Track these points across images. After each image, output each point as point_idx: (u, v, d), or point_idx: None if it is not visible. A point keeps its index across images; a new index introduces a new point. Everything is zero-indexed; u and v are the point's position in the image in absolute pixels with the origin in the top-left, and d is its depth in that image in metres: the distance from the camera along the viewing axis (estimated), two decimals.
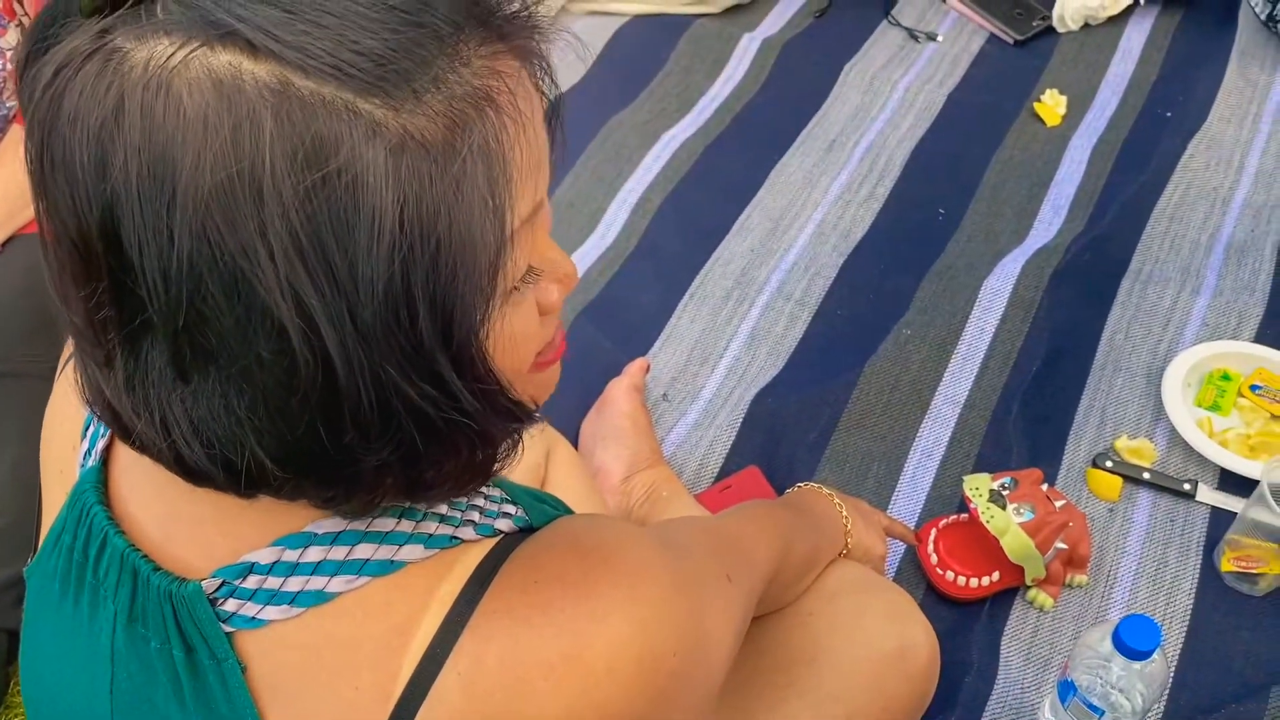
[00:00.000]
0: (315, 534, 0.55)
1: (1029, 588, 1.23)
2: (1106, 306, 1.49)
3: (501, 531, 0.60)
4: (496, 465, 0.56)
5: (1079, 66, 1.86)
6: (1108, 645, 1.01)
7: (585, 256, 1.59)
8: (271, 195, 0.43)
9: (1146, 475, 1.32)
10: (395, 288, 0.45)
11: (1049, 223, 1.61)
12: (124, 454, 0.61)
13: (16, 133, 1.41)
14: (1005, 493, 1.20)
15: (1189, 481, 1.31)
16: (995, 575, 1.21)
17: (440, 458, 0.51)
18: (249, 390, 0.47)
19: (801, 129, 1.78)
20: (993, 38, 1.93)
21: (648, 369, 1.43)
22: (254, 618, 0.55)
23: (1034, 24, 1.92)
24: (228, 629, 0.56)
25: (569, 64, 1.89)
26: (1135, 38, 1.90)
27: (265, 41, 0.44)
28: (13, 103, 1.40)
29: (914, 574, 1.26)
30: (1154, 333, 1.46)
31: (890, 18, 1.97)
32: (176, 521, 0.58)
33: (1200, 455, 1.33)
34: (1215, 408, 1.38)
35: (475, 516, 0.60)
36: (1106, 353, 1.44)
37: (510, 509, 0.63)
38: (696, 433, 1.39)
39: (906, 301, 1.52)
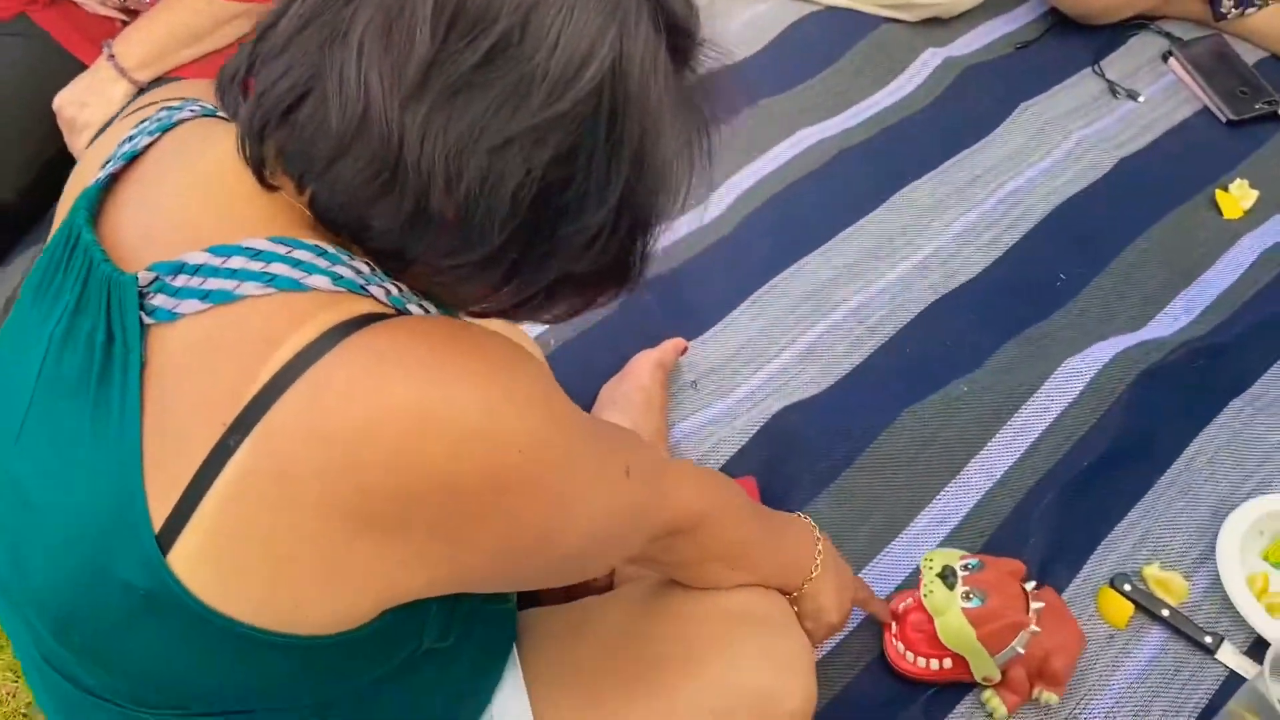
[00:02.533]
0: (243, 246, 0.60)
1: (984, 687, 1.12)
2: (1200, 424, 1.33)
3: (408, 313, 0.64)
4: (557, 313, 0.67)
5: None
6: None
7: (676, 228, 1.56)
8: None
9: (1165, 613, 1.17)
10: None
11: (1175, 318, 1.45)
12: (130, 175, 0.68)
13: None
14: (963, 573, 1.10)
15: (1213, 635, 1.16)
16: (947, 662, 1.11)
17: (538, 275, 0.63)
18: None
19: (950, 157, 1.67)
20: (1203, 111, 1.74)
21: (683, 350, 1.40)
22: (172, 310, 0.60)
23: (1256, 106, 1.72)
24: (148, 320, 0.61)
25: (745, 38, 1.85)
26: None
27: None
28: None
29: (873, 637, 1.18)
30: (1245, 466, 1.29)
31: (1096, 67, 1.81)
32: (150, 231, 0.64)
33: (1238, 613, 1.17)
34: None
35: (394, 290, 0.64)
36: (1179, 472, 1.29)
37: (432, 308, 0.66)
38: (710, 428, 1.34)
39: (981, 359, 1.40)
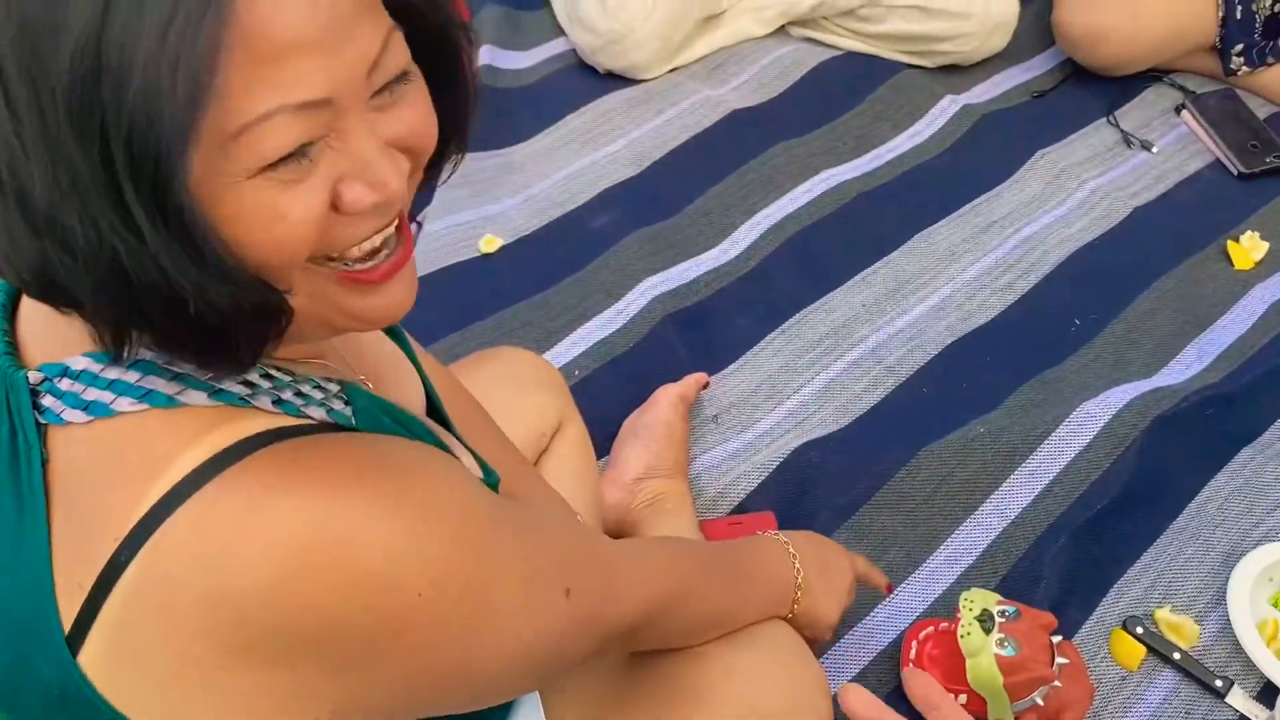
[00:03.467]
0: (119, 360, 0.59)
1: None
2: (1212, 471, 1.35)
3: (309, 418, 0.62)
4: (235, 341, 0.57)
5: None
6: None
7: (700, 265, 1.59)
8: None
9: (1177, 656, 1.19)
10: (81, 98, 0.48)
11: (1188, 366, 1.48)
12: None
13: None
14: (1001, 619, 1.12)
15: (1223, 679, 1.18)
16: (962, 698, 1.13)
17: (150, 311, 0.54)
18: None
19: (967, 202, 1.70)
20: (1215, 164, 1.78)
21: (705, 385, 1.42)
22: (59, 414, 0.60)
23: (1267, 160, 1.75)
24: (41, 420, 0.61)
25: (766, 81, 1.89)
26: None
27: None
28: None
29: (890, 670, 1.20)
30: (1255, 513, 1.32)
31: (1111, 117, 1.85)
32: (45, 327, 0.64)
33: (1248, 657, 1.19)
34: None
35: (287, 395, 0.62)
36: (1191, 518, 1.31)
37: (340, 405, 0.64)
38: (730, 462, 1.37)
39: (997, 401, 1.43)
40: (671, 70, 1.92)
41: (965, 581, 1.26)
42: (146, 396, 0.59)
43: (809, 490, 1.34)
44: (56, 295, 0.56)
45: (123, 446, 0.59)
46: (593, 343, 1.49)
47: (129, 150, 0.49)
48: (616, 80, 1.90)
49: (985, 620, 1.11)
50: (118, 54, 0.48)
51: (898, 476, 1.34)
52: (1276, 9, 1.85)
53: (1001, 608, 1.13)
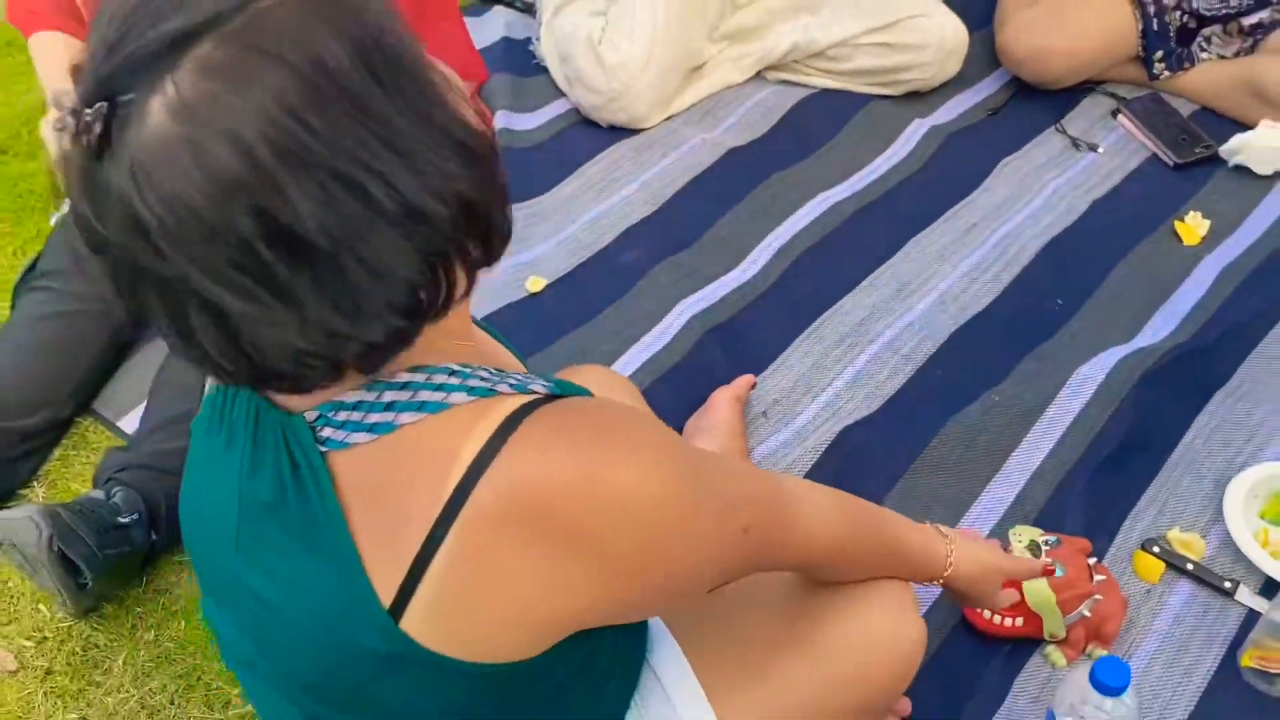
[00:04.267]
0: (392, 382, 0.72)
1: (1047, 643, 1.34)
2: (1193, 413, 1.58)
3: (535, 392, 0.75)
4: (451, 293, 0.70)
5: (1231, 197, 1.94)
6: (1085, 682, 1.12)
7: (725, 284, 1.80)
8: None
9: (1190, 566, 1.41)
10: None
11: (1159, 330, 1.71)
12: None
13: None
14: (1046, 547, 1.32)
15: (1231, 581, 1.39)
16: (1020, 621, 1.33)
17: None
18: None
19: (947, 209, 1.93)
20: (1153, 158, 2.03)
21: (753, 385, 1.62)
22: (343, 441, 0.72)
23: (1196, 150, 2.01)
24: (323, 449, 0.73)
25: (753, 121, 2.12)
26: None
27: None
28: None
29: (951, 607, 1.39)
30: (1234, 444, 1.54)
31: (1058, 125, 2.10)
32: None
33: (1249, 561, 1.41)
34: (1278, 522, 1.45)
35: (511, 380, 0.75)
36: (1182, 454, 1.53)
37: (542, 382, 0.79)
38: (784, 449, 1.56)
39: (1003, 374, 1.65)
40: (667, 119, 2.13)
41: (1002, 527, 1.46)
42: (422, 407, 0.71)
43: (856, 466, 1.53)
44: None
45: (413, 450, 0.71)
46: (643, 361, 1.68)
47: None
48: (620, 131, 2.10)
49: (1034, 549, 1.31)
50: None
51: (931, 445, 1.55)
52: (1185, 20, 2.12)
53: (1045, 538, 1.33)
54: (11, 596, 1.47)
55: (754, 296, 1.78)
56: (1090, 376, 1.59)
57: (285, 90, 0.60)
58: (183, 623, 1.44)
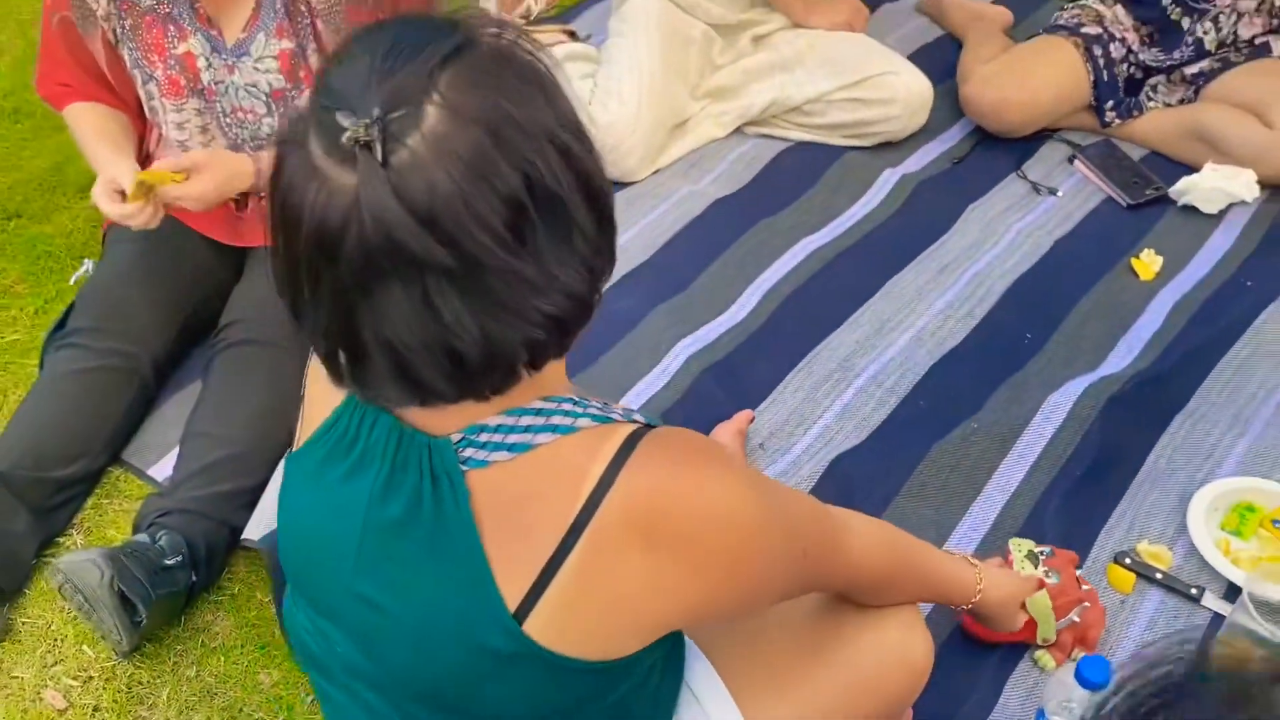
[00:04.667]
0: (529, 408, 0.84)
1: (1038, 647, 1.45)
2: (1156, 434, 1.71)
3: (637, 421, 0.86)
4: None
5: (1181, 235, 2.09)
6: (1071, 680, 1.24)
7: (718, 327, 1.92)
8: None
9: (1159, 576, 1.53)
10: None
11: (1122, 358, 1.85)
12: None
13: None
14: (1042, 556, 1.44)
15: (1197, 588, 1.52)
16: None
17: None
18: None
19: (920, 251, 2.07)
20: (1108, 199, 2.19)
21: (751, 420, 1.73)
22: (484, 460, 0.83)
23: (1147, 192, 2.17)
24: (464, 468, 0.83)
25: (736, 173, 2.25)
26: (1239, 217, 2.12)
27: None
28: None
29: (946, 615, 1.50)
30: (1194, 462, 1.68)
31: (1019, 171, 2.25)
32: (427, 412, 0.86)
33: (1213, 569, 1.53)
34: (1237, 533, 1.58)
35: (617, 410, 0.87)
36: (1148, 472, 1.67)
37: (638, 414, 0.90)
38: (782, 477, 1.67)
39: (980, 403, 1.78)
40: (655, 172, 2.26)
41: (987, 543, 1.58)
42: (556, 429, 0.83)
43: (849, 492, 1.65)
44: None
45: (548, 466, 0.83)
46: (645, 400, 1.79)
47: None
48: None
49: (1032, 558, 1.43)
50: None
51: (917, 471, 1.67)
52: (1131, 71, 2.29)
53: (1040, 549, 1.45)
54: (56, 639, 1.54)
55: (745, 336, 1.90)
56: (1060, 403, 1.72)
57: (520, 89, 0.75)
58: (222, 659, 1.52)
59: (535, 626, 0.84)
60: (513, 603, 0.83)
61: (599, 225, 0.79)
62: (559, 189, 0.75)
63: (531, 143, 0.74)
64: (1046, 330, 1.91)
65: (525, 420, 0.84)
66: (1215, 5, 2.18)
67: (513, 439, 0.84)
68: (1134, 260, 2.03)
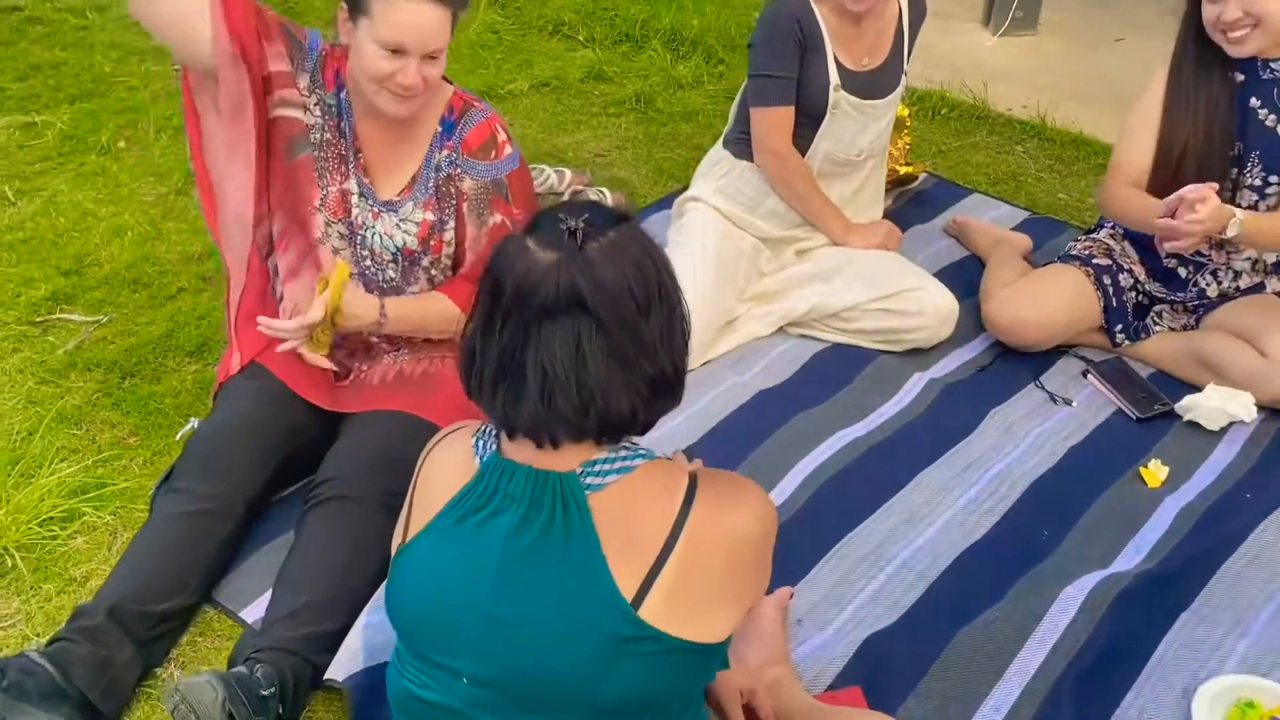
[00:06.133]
0: (621, 445, 1.23)
1: None
2: (1163, 631, 1.86)
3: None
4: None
5: (1186, 448, 2.29)
6: None
7: None
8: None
9: None
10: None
11: (1130, 558, 2.01)
12: (504, 449, 1.25)
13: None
14: None
15: None
16: None
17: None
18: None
19: (947, 450, 2.27)
20: (1119, 411, 2.39)
21: (791, 595, 1.89)
22: (600, 484, 1.20)
23: (1155, 407, 2.37)
24: (587, 491, 1.19)
25: (777, 370, 2.48)
26: (1241, 434, 2.32)
27: None
28: None
29: None
30: (1198, 658, 1.82)
31: (1038, 382, 2.47)
32: (542, 459, 1.22)
33: None
34: None
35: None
36: (1155, 666, 1.81)
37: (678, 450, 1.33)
38: (818, 653, 1.83)
39: (1001, 592, 1.94)
40: (705, 363, 2.49)
41: None
42: (646, 456, 1.23)
43: (880, 669, 1.80)
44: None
45: (644, 487, 1.21)
46: None
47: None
48: None
49: None
50: None
51: (944, 654, 1.82)
52: (1139, 298, 2.54)
53: None
54: None
55: (786, 518, 2.08)
56: (1074, 596, 1.88)
57: (657, 247, 1.23)
58: None
59: (649, 612, 1.17)
60: (629, 594, 1.17)
61: (684, 338, 1.23)
62: (673, 300, 1.21)
63: (661, 270, 1.20)
64: (1062, 529, 2.09)
65: (622, 453, 1.23)
66: (1212, 261, 2.44)
67: (618, 464, 1.21)
68: (1142, 469, 2.22)
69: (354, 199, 2.02)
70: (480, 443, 1.28)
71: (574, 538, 1.18)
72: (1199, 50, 2.28)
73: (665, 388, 1.21)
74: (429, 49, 1.86)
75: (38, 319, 2.59)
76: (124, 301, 2.64)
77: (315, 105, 1.99)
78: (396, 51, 1.84)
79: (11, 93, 3.65)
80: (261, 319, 1.93)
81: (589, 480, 1.20)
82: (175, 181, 3.10)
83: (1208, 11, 2.23)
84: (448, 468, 1.29)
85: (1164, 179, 2.32)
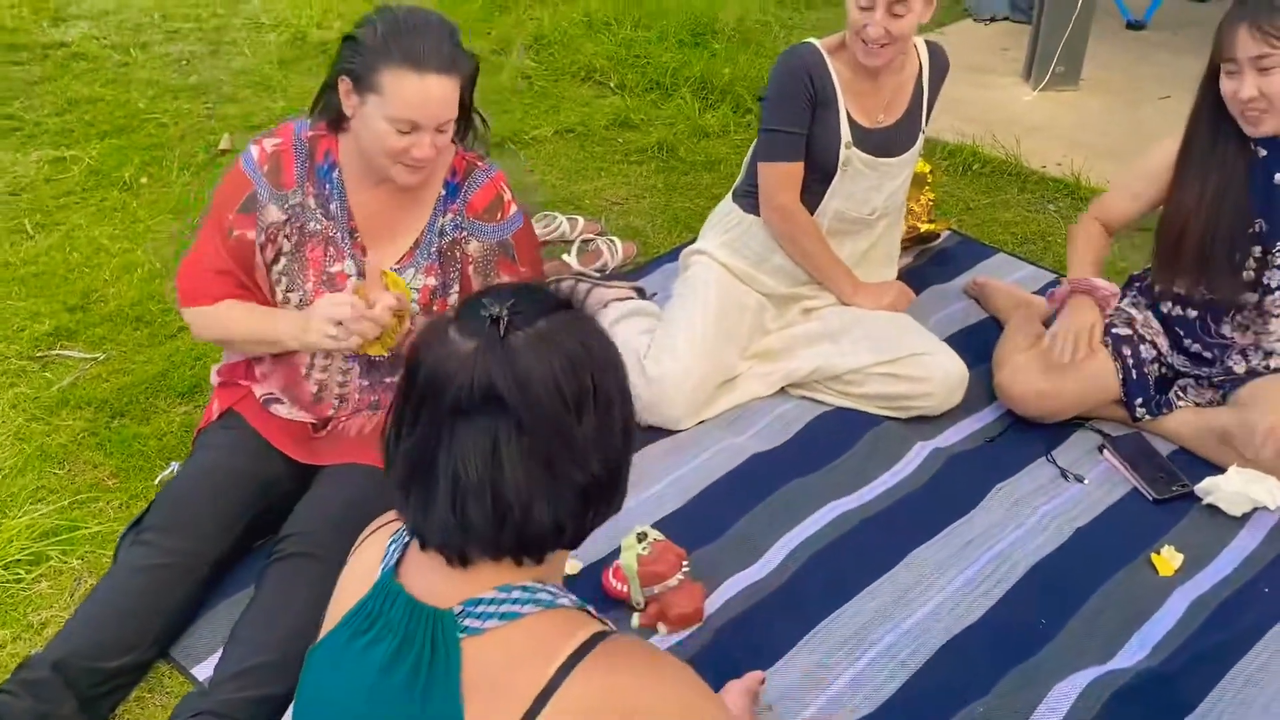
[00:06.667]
0: (515, 585, 1.06)
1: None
2: None
3: (590, 612, 1.10)
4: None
5: (1204, 534, 2.15)
6: None
7: (741, 581, 2.01)
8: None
9: None
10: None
11: (1133, 653, 1.88)
12: (408, 562, 1.13)
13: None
14: (650, 539, 1.91)
15: None
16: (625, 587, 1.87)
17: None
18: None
19: (946, 525, 2.16)
20: (1134, 491, 2.26)
21: (762, 681, 1.79)
22: (479, 628, 1.04)
23: (1173, 488, 2.24)
24: (461, 635, 1.04)
25: (774, 432, 2.39)
26: (1264, 521, 2.17)
27: None
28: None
29: None
30: None
31: (1049, 456, 2.35)
32: (433, 587, 1.08)
33: None
34: None
35: (580, 602, 1.11)
36: None
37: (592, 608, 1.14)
38: None
39: (989, 686, 1.82)
40: (700, 423, 2.41)
41: None
42: (540, 603, 1.05)
43: None
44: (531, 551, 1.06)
45: (526, 639, 1.03)
46: (665, 648, 1.87)
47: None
48: (655, 431, 2.38)
49: (641, 537, 1.88)
50: None
51: None
52: (1162, 370, 2.41)
53: (655, 535, 1.90)
54: None
55: (766, 593, 1.98)
56: (1066, 694, 1.75)
57: (598, 334, 1.08)
58: None
59: None
60: None
61: (625, 441, 1.08)
62: (612, 398, 1.06)
63: (600, 364, 1.06)
64: (1062, 618, 1.96)
65: (515, 594, 1.06)
66: (1237, 343, 2.31)
67: (504, 609, 1.05)
68: (1154, 555, 2.09)
69: (350, 282, 1.97)
70: (392, 547, 1.16)
71: (434, 688, 1.04)
72: (1214, 119, 2.18)
73: (599, 497, 1.07)
74: (440, 121, 1.84)
75: (38, 354, 2.60)
76: (124, 339, 2.64)
77: (296, 205, 1.96)
78: (410, 127, 1.82)
79: (48, 127, 3.71)
80: (350, 300, 1.87)
81: (468, 622, 1.05)
82: (192, 219, 3.11)
83: (1225, 86, 2.12)
84: (363, 569, 1.18)
85: (1167, 249, 2.25)
